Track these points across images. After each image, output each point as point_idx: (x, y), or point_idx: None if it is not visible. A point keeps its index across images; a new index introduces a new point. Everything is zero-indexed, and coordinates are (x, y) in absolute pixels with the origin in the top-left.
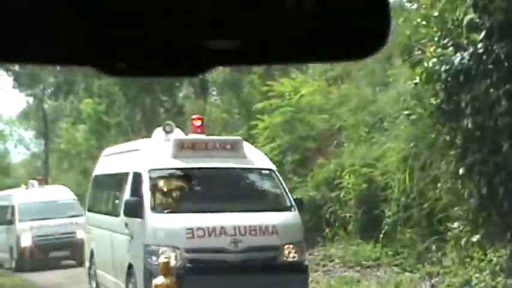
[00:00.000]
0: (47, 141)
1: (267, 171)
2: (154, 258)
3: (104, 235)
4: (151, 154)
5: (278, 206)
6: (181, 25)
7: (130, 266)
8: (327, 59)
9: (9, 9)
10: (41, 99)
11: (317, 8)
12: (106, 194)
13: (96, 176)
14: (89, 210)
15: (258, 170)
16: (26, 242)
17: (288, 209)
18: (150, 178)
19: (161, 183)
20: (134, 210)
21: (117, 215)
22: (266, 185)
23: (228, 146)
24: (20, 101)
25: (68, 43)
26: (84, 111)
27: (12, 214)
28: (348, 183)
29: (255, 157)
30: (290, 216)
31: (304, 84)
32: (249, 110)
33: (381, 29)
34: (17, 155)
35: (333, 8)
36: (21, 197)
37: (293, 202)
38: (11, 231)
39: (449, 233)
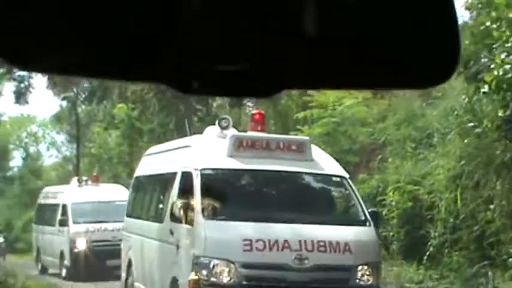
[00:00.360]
0: (79, 145)
1: (338, 179)
2: (204, 272)
3: (144, 243)
4: (204, 152)
5: (351, 219)
6: (256, 47)
7: (174, 280)
8: (388, 86)
9: (85, 21)
10: (75, 102)
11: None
12: (148, 197)
13: (137, 178)
14: (128, 216)
15: (328, 177)
16: (81, 247)
17: (362, 223)
18: (202, 179)
19: (215, 185)
20: (182, 215)
21: (160, 221)
22: (337, 194)
23: (294, 147)
24: (54, 103)
25: (144, 60)
26: (117, 116)
27: (64, 214)
28: (392, 201)
29: (325, 162)
30: (365, 232)
31: (348, 95)
32: (285, 121)
33: (450, 55)
34: (49, 158)
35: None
36: (74, 195)
37: (368, 215)
38: (63, 233)
39: (510, 259)
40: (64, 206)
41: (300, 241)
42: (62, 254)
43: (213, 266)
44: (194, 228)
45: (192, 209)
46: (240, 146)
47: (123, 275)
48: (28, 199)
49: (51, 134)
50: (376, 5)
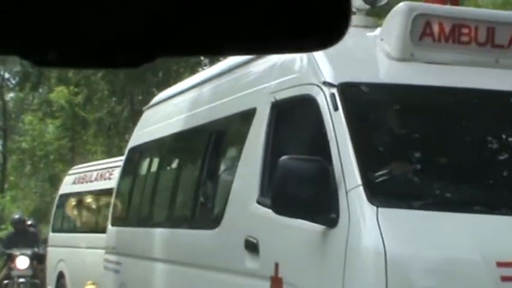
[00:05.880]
0: (6, 140)
1: None
2: None
3: (161, 278)
4: (339, 53)
5: None
6: (119, 12)
7: None
8: (277, 50)
9: None
10: (1, 86)
11: None
12: (167, 182)
13: (132, 151)
14: (115, 223)
15: None
16: None
17: None
18: (347, 108)
19: (378, 123)
20: (305, 197)
21: (212, 225)
22: None
23: None
24: None
25: None
26: (56, 103)
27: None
28: None
29: None
30: None
31: None
32: None
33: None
34: None
35: None
36: None
37: None
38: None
39: None
40: None
41: None
42: None
43: None
44: (340, 232)
45: (331, 178)
46: (424, 35)
47: None
48: None
49: None
50: None
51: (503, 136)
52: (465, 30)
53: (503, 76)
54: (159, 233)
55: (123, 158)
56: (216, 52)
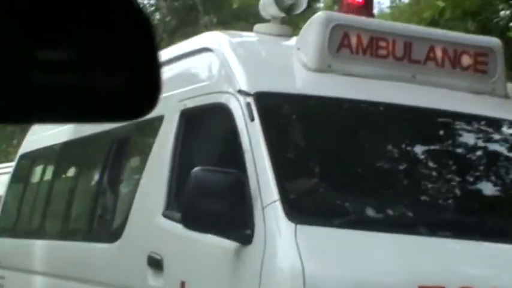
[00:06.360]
0: None
1: None
2: None
3: None
4: (253, 61)
5: None
6: None
7: None
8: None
9: None
10: None
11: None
12: (64, 189)
13: (24, 155)
14: (0, 233)
15: None
16: None
17: None
18: (264, 118)
19: (296, 135)
20: (218, 211)
21: (112, 238)
22: None
23: (467, 61)
24: None
25: None
26: None
27: None
28: None
29: None
30: None
31: None
32: None
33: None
34: None
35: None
36: None
37: None
38: None
39: None
40: None
41: None
42: None
43: None
44: (255, 249)
45: (247, 193)
46: (342, 46)
47: None
48: None
49: None
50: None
51: (422, 152)
52: (383, 44)
53: (420, 92)
54: (51, 245)
55: (9, 164)
56: (27, 120)
